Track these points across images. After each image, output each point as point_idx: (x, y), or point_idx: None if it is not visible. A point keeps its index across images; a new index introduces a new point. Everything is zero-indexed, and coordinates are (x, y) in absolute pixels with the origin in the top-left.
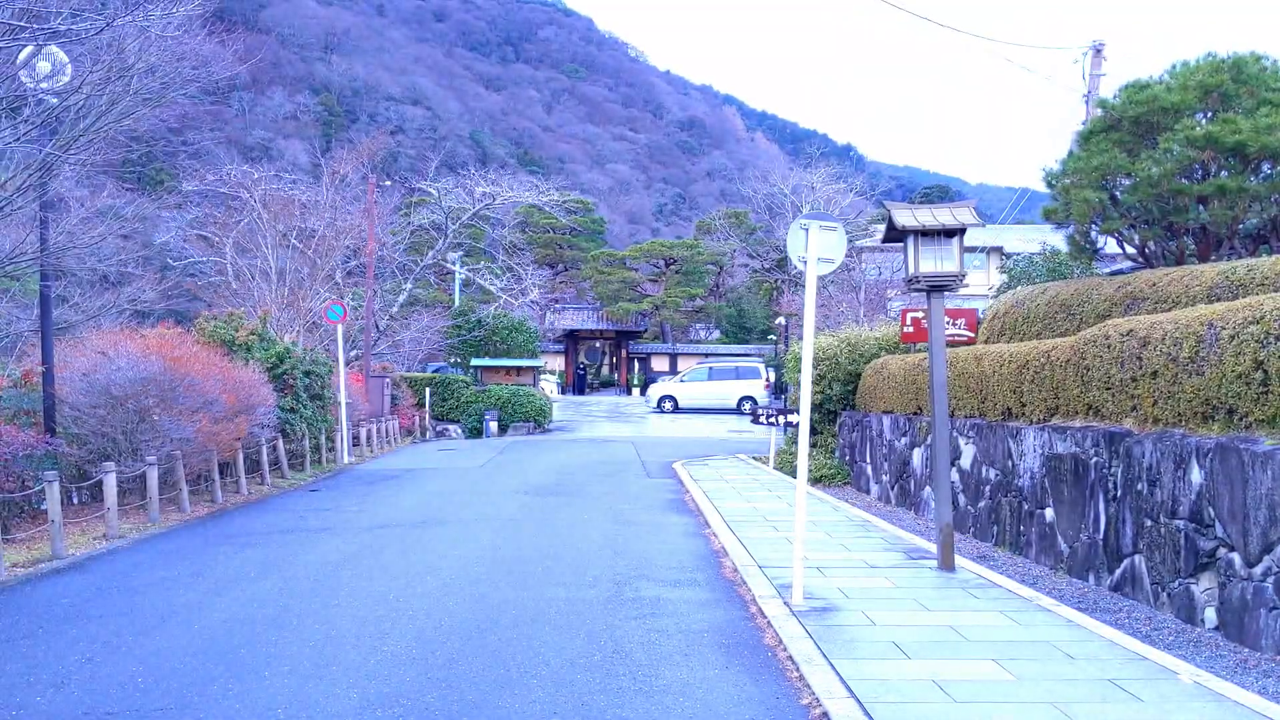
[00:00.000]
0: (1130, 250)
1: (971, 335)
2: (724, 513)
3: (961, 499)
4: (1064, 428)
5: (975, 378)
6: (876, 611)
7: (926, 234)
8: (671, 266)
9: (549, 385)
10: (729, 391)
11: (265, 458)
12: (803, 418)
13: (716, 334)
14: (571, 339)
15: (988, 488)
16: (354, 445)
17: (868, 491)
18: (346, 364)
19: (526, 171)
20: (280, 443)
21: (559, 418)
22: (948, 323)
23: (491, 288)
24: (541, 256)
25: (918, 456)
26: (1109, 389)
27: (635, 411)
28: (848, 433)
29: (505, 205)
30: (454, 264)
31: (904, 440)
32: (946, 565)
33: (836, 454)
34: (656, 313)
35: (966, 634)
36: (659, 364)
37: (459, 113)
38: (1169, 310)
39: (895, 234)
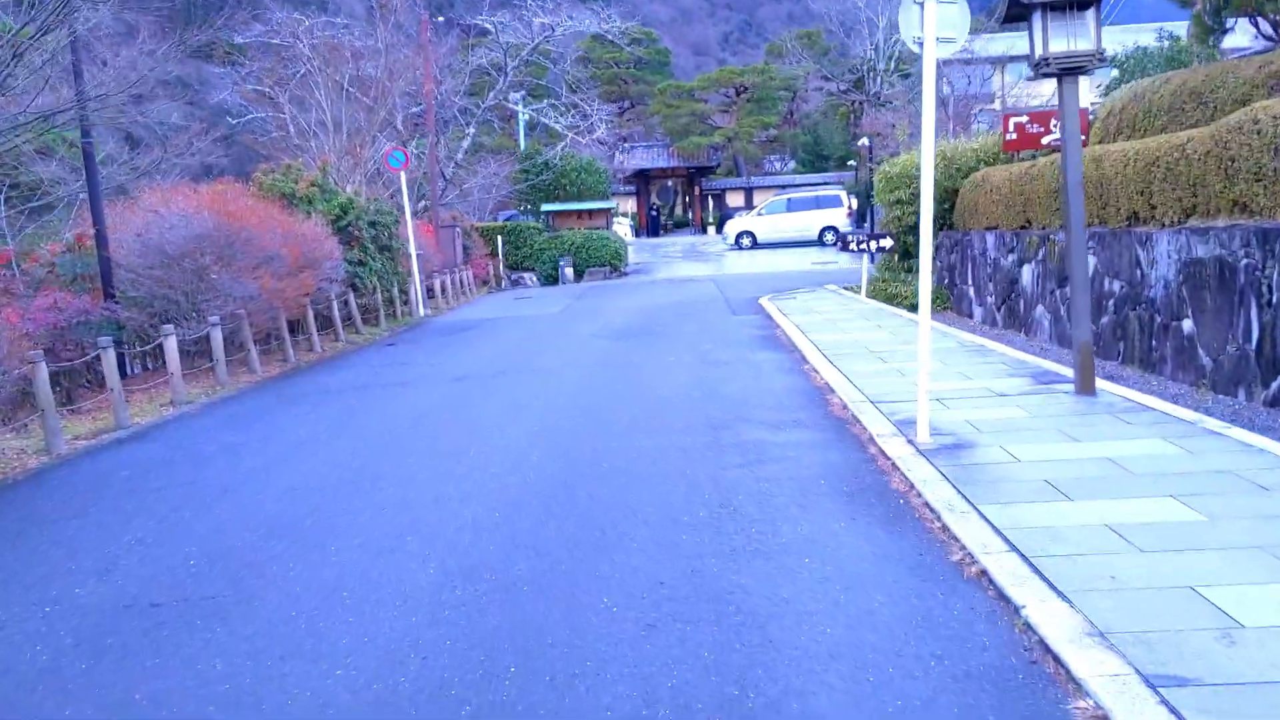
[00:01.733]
0: (1265, 29)
1: (1083, 137)
2: (821, 346)
3: None
4: (1205, 229)
5: (1094, 182)
6: (1017, 445)
7: (1055, 7)
8: (742, 95)
9: (623, 228)
10: (810, 222)
11: (337, 313)
12: (924, 233)
13: (792, 164)
14: (642, 179)
15: (1111, 302)
16: (429, 297)
17: (970, 315)
18: (414, 214)
19: (584, 4)
20: (351, 297)
21: (634, 260)
22: (1055, 125)
23: (557, 126)
24: (606, 94)
25: (1028, 274)
26: (1260, 180)
27: (712, 250)
28: (945, 254)
29: (565, 39)
30: (516, 104)
31: (1011, 257)
32: (1085, 389)
33: (935, 278)
34: (729, 145)
35: (1130, 466)
36: (734, 199)
37: None
38: None
39: (1018, 10)
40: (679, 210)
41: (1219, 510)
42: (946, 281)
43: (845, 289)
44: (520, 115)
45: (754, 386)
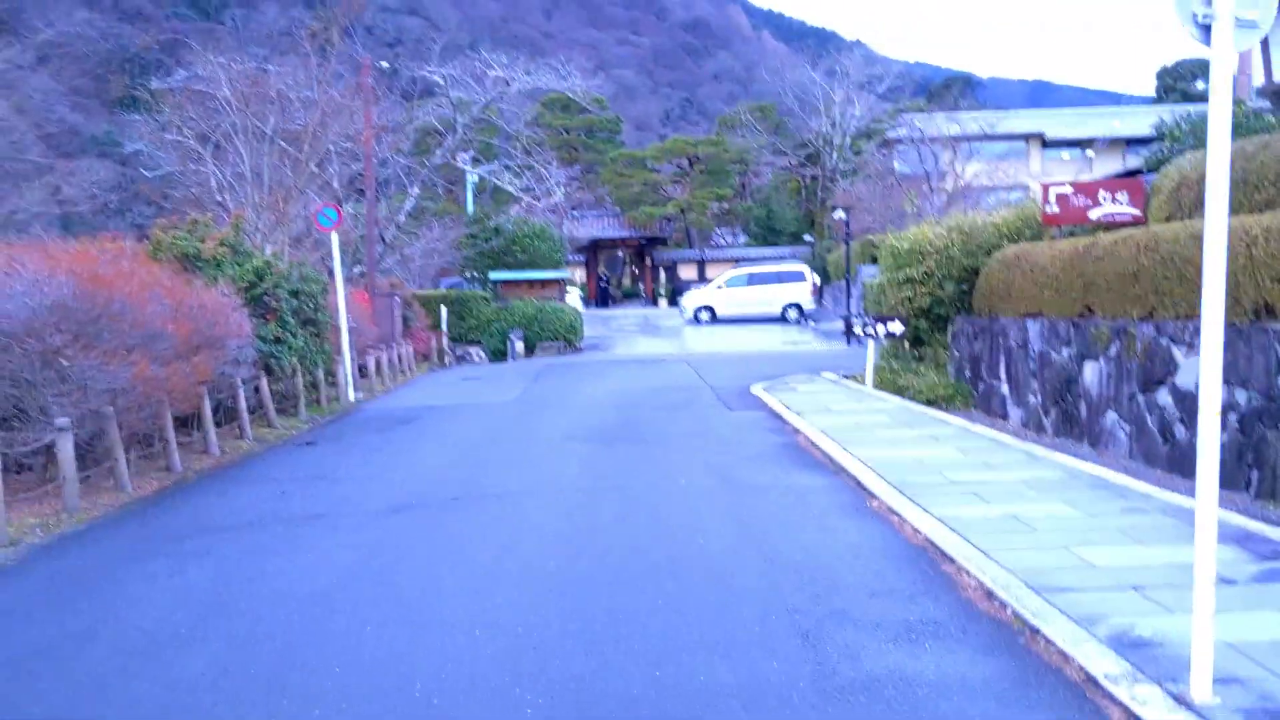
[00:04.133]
0: None
1: (1138, 213)
2: (875, 467)
3: (1179, 429)
4: None
5: (1194, 263)
6: None
7: None
8: (695, 166)
9: (573, 298)
10: (772, 298)
11: (243, 404)
12: (1207, 336)
13: (743, 238)
14: (591, 249)
15: (1234, 416)
16: (361, 377)
17: (1004, 416)
18: (347, 281)
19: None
20: (265, 383)
21: (588, 334)
22: (1104, 198)
23: (510, 188)
24: (557, 160)
25: (1092, 372)
26: None
27: (669, 324)
28: (966, 343)
29: (518, 98)
30: (465, 165)
31: (1065, 351)
32: None
33: (951, 369)
34: (682, 216)
35: None
36: (686, 272)
37: (458, 22)
38: None
39: None
40: (627, 281)
41: None
42: (968, 374)
43: (846, 378)
44: (468, 177)
45: (823, 540)
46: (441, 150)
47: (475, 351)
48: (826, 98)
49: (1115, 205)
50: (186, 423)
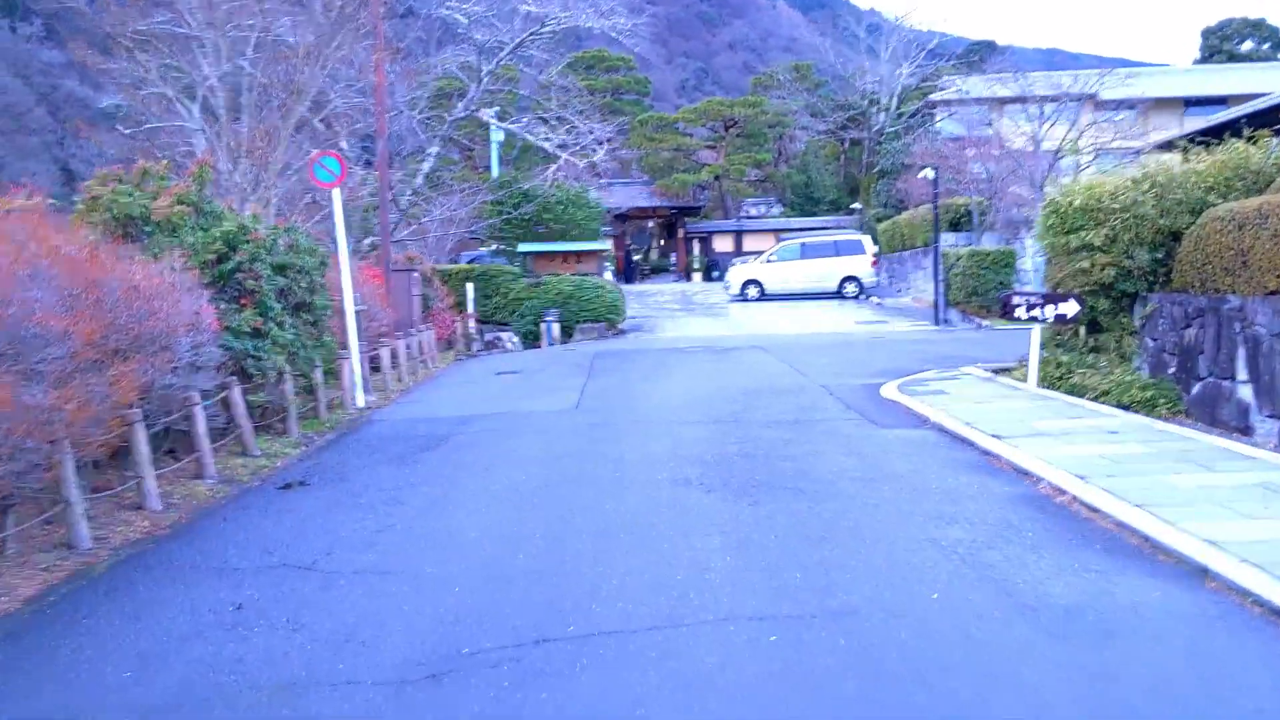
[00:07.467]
0: None
1: None
2: (1270, 568)
3: None
4: None
5: None
6: None
7: None
8: (731, 129)
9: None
10: (828, 272)
11: (202, 428)
12: None
13: (778, 208)
14: (619, 220)
15: None
16: (373, 373)
17: (1243, 429)
18: (353, 255)
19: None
20: (237, 393)
21: (627, 314)
22: None
23: (546, 144)
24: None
25: None
26: None
27: (711, 301)
28: (1171, 327)
29: (550, 44)
30: (491, 119)
31: None
32: None
33: (1141, 363)
34: (716, 184)
35: None
36: (721, 244)
37: None
38: None
39: None
40: (655, 255)
41: None
42: (1174, 370)
43: (997, 373)
44: (493, 135)
45: None
46: (465, 101)
47: (507, 336)
48: (871, 55)
49: None
50: (109, 462)
